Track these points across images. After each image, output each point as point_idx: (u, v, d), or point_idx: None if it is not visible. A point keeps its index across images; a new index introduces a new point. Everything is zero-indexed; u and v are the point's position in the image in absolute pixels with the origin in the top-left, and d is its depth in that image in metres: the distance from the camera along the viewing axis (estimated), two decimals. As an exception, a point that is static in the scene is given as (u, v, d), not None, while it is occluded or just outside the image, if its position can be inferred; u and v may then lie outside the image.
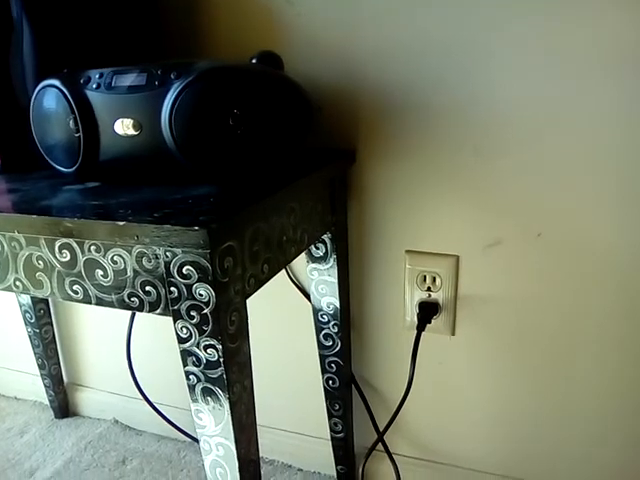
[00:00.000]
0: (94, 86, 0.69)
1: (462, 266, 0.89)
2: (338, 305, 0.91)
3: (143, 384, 1.22)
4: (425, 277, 0.92)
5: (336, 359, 0.96)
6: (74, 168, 0.73)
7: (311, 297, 0.93)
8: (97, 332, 1.31)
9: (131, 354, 1.19)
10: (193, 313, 0.56)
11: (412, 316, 0.95)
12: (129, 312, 1.18)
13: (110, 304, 0.61)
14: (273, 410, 1.15)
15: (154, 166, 0.68)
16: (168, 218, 0.54)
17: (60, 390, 1.39)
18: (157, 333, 1.23)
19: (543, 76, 0.76)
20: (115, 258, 0.58)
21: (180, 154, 0.65)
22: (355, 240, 0.95)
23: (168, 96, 0.64)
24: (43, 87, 0.72)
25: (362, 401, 1.03)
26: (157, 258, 0.56)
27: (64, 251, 0.61)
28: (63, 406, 1.40)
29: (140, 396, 1.22)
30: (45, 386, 1.38)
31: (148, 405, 1.22)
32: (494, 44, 0.77)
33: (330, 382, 0.99)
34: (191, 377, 0.60)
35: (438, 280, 0.91)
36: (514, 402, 0.94)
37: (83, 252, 0.60)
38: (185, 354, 0.59)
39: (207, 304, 0.55)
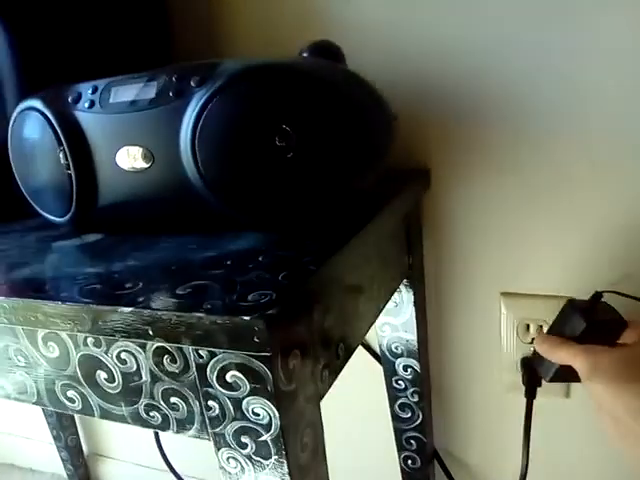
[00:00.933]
0: (86, 105, 0.50)
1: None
2: (418, 368, 0.70)
3: (172, 455, 1.02)
4: (528, 326, 0.71)
5: (416, 434, 0.75)
6: (67, 217, 0.54)
7: (382, 359, 0.72)
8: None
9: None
10: (245, 440, 0.36)
11: (511, 376, 0.74)
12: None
13: (120, 418, 0.42)
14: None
15: (173, 211, 0.49)
16: (198, 299, 0.34)
17: (80, 463, 1.20)
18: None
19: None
20: (123, 356, 0.39)
21: (209, 192, 0.46)
22: (433, 286, 0.74)
23: (189, 111, 0.45)
24: (21, 111, 0.54)
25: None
26: (186, 359, 0.36)
27: (50, 344, 0.42)
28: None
29: (167, 469, 1.02)
30: (62, 459, 1.19)
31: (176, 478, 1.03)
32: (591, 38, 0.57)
33: (409, 462, 0.78)
34: (245, 527, 0.40)
35: (546, 329, 0.70)
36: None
37: (77, 346, 0.41)
38: (235, 496, 0.39)
39: (267, 428, 0.35)
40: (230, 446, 0.37)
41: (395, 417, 0.76)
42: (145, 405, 0.40)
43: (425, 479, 0.79)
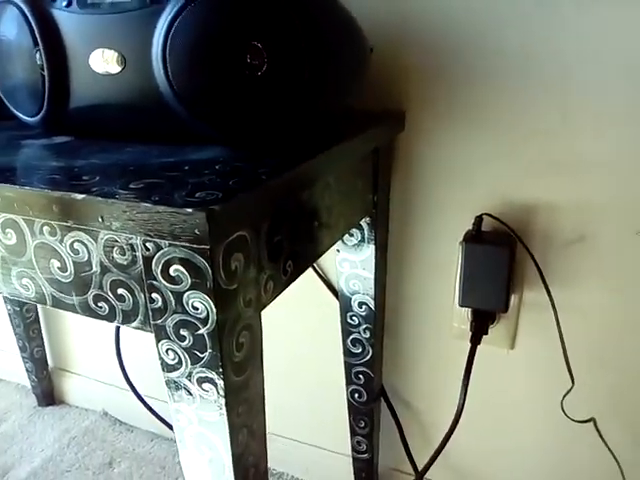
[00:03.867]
0: (64, 3, 0.50)
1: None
2: (373, 306, 0.73)
3: (134, 374, 1.05)
4: (483, 276, 0.73)
5: (365, 369, 0.78)
6: (38, 117, 0.55)
7: (339, 294, 0.75)
8: (86, 314, 1.14)
9: (120, 339, 1.02)
10: (184, 332, 0.38)
11: (461, 322, 0.77)
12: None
13: (71, 308, 0.44)
14: (287, 417, 0.98)
15: (141, 117, 0.50)
16: (149, 192, 0.36)
17: (44, 375, 1.23)
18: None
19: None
20: (76, 246, 0.40)
21: (176, 101, 0.47)
22: (396, 226, 0.76)
23: (162, 18, 0.46)
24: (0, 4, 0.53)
25: (393, 419, 0.86)
26: (133, 250, 0.38)
27: (8, 231, 0.43)
28: (47, 393, 1.25)
29: (128, 387, 1.06)
30: (27, 370, 1.22)
31: (137, 399, 1.06)
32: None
33: (356, 395, 0.81)
34: (180, 418, 0.42)
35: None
36: (579, 433, 0.76)
37: (33, 234, 0.42)
38: (172, 386, 0.41)
39: (204, 322, 0.37)
40: (170, 338, 0.39)
41: (346, 352, 0.79)
42: (94, 296, 0.42)
43: (370, 414, 0.83)
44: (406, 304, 0.80)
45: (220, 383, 0.39)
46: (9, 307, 1.13)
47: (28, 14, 0.51)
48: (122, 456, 1.10)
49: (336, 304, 0.77)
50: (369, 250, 0.70)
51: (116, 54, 0.48)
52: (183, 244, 0.35)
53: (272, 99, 0.47)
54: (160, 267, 0.37)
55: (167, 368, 0.41)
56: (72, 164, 0.44)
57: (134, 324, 0.41)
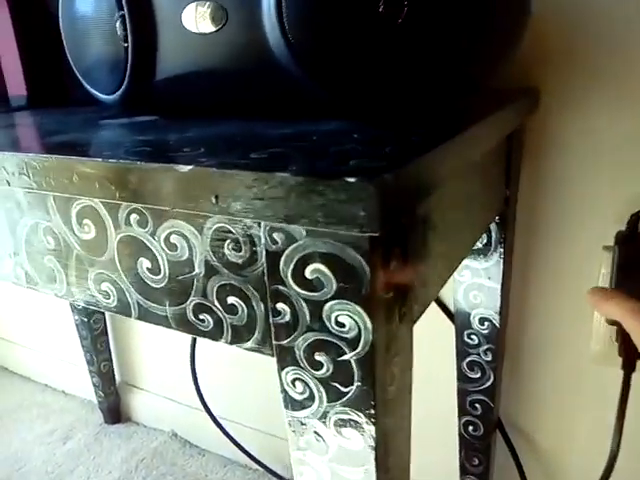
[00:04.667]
0: (152, -50, 0.41)
1: None
2: (497, 322, 0.61)
3: (209, 394, 0.96)
4: (634, 288, 0.60)
5: (483, 397, 0.66)
6: (118, 94, 0.46)
7: (455, 308, 0.63)
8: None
9: (196, 356, 0.93)
10: (320, 357, 0.28)
11: (603, 343, 0.63)
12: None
13: (163, 321, 0.34)
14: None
15: (245, 84, 0.40)
16: (278, 162, 0.25)
17: (111, 391, 1.16)
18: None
19: None
20: (173, 239, 0.31)
21: (292, 59, 0.36)
22: (524, 228, 0.64)
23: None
24: (76, -37, 0.45)
25: (512, 456, 0.73)
26: (253, 244, 0.28)
27: (86, 222, 0.34)
28: (114, 409, 1.18)
29: (202, 407, 0.96)
30: (94, 385, 1.15)
31: (212, 420, 0.97)
32: None
33: (470, 428, 0.69)
34: (304, 471, 0.32)
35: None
36: None
37: (117, 225, 0.33)
38: (297, 428, 0.31)
39: (353, 344, 0.27)
40: (299, 365, 0.29)
41: (462, 377, 0.67)
42: (195, 305, 0.32)
43: (485, 450, 0.70)
44: (534, 322, 0.67)
45: (370, 429, 0.28)
46: (76, 317, 1.07)
47: (110, -30, 0.42)
48: (193, 483, 1.00)
49: (445, 322, 0.65)
50: (496, 255, 0.58)
51: (215, 6, 0.39)
52: (331, 232, 0.24)
53: (414, 54, 0.36)
54: (292, 266, 0.27)
55: (292, 405, 0.30)
56: (164, 137, 0.35)
57: (248, 344, 0.31)
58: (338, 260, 0.25)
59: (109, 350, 1.12)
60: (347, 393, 0.28)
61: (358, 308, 0.26)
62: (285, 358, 0.29)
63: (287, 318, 0.28)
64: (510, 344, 0.69)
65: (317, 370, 0.28)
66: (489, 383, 0.65)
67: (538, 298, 0.66)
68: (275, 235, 0.26)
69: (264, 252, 0.27)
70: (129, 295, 0.35)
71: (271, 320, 0.29)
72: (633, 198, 0.58)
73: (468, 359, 0.65)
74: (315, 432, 0.30)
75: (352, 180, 0.22)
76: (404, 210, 0.26)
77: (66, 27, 0.48)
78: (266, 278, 0.28)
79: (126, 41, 0.44)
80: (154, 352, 1.09)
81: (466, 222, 0.42)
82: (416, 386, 0.75)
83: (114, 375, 1.15)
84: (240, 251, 0.28)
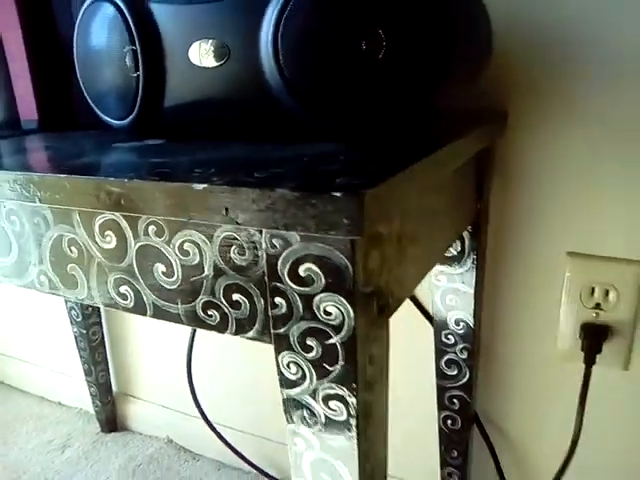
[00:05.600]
0: (161, -5, 0.47)
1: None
2: (472, 323, 0.67)
3: (203, 400, 1.01)
4: (593, 290, 0.66)
5: (460, 393, 0.72)
6: (128, 120, 0.52)
7: (433, 310, 0.69)
8: (153, 336, 1.11)
9: (192, 364, 0.98)
10: (311, 342, 0.34)
11: (569, 342, 0.70)
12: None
13: (174, 318, 0.39)
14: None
15: (245, 113, 0.46)
16: (278, 180, 0.31)
17: (108, 400, 1.20)
18: (226, 341, 1.02)
19: None
20: (186, 247, 0.36)
21: (288, 95, 0.43)
22: (495, 237, 0.70)
23: (272, 5, 0.42)
24: (92, 2, 0.51)
25: (488, 448, 0.78)
26: (255, 248, 0.33)
27: (108, 233, 0.39)
28: (110, 418, 1.22)
29: (198, 414, 1.01)
30: (91, 395, 1.19)
31: (207, 426, 1.01)
32: None
33: (449, 422, 0.75)
34: (297, 442, 0.37)
35: (613, 294, 0.66)
36: None
37: (137, 235, 0.38)
38: (291, 405, 0.36)
39: (338, 329, 0.32)
40: (293, 349, 0.34)
41: (440, 374, 0.72)
42: (204, 303, 0.37)
43: (463, 442, 0.76)
44: (505, 322, 0.73)
45: (352, 401, 0.34)
46: (75, 329, 1.11)
47: (125, 11, 0.48)
48: (189, 486, 1.05)
49: (425, 324, 0.71)
50: (469, 262, 0.64)
51: (218, 44, 0.45)
52: (320, 237, 0.30)
53: (393, 85, 0.42)
54: (288, 266, 0.32)
55: (287, 384, 0.36)
56: (176, 160, 0.41)
57: (250, 334, 0.36)
58: (326, 260, 0.31)
59: (106, 361, 1.16)
60: (333, 371, 0.33)
61: (342, 299, 0.31)
62: (281, 344, 0.35)
63: (283, 310, 0.34)
64: (484, 343, 0.75)
65: (308, 353, 0.34)
66: (465, 379, 0.71)
67: (509, 301, 0.72)
68: (274, 241, 0.32)
69: (265, 255, 0.33)
70: (145, 296, 0.40)
71: (270, 312, 0.34)
72: (594, 208, 0.65)
73: (446, 357, 0.71)
74: (306, 407, 0.35)
75: (338, 195, 0.28)
76: (381, 219, 0.32)
77: (80, 56, 0.54)
78: (266, 277, 0.34)
79: (136, 71, 0.49)
80: (150, 362, 1.14)
81: (438, 230, 0.48)
82: (400, 384, 0.81)
83: (111, 385, 1.19)
84: (244, 255, 0.34)
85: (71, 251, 0.43)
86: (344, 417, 0.34)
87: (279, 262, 0.33)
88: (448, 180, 0.49)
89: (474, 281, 0.65)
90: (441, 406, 0.75)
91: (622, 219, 0.63)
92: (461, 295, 0.66)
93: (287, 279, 0.33)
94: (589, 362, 0.65)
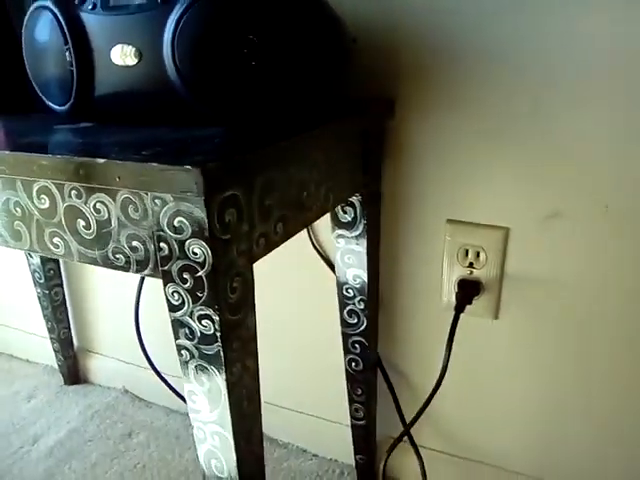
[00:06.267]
0: (89, 6, 0.58)
1: (512, 240, 0.77)
2: (365, 278, 0.80)
3: (153, 353, 1.13)
4: (467, 251, 0.80)
5: (361, 339, 0.86)
6: (67, 106, 0.63)
7: (336, 268, 0.82)
8: (109, 296, 1.23)
9: (139, 320, 1.10)
10: (186, 276, 0.46)
11: (450, 295, 0.83)
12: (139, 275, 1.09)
13: (93, 261, 0.52)
14: (289, 390, 1.06)
15: (155, 103, 0.58)
16: (157, 156, 0.43)
17: (70, 355, 1.32)
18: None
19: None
20: (98, 206, 0.49)
21: (183, 88, 0.55)
22: (388, 206, 0.83)
23: (172, 16, 0.54)
24: (35, 9, 0.62)
25: (387, 387, 0.93)
26: (145, 207, 0.46)
27: (42, 196, 0.51)
28: (72, 372, 1.34)
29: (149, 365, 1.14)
30: (54, 350, 1.31)
31: (157, 375, 1.14)
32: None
33: (353, 364, 0.88)
34: (183, 352, 0.50)
35: (482, 255, 0.79)
36: (557, 398, 0.83)
37: (63, 198, 0.50)
38: (176, 324, 0.49)
39: (202, 265, 0.45)
40: (175, 281, 0.47)
41: (343, 323, 0.86)
42: (113, 249, 0.50)
43: (366, 381, 0.90)
44: (399, 279, 0.87)
45: (217, 319, 0.46)
46: (38, 290, 1.23)
47: (60, 17, 0.60)
48: (140, 428, 1.18)
49: (334, 278, 0.84)
50: (361, 226, 0.77)
51: (133, 49, 0.56)
52: (185, 197, 0.43)
53: (263, 84, 0.54)
54: (167, 219, 0.45)
55: (173, 308, 0.48)
56: (96, 141, 0.53)
57: (146, 272, 0.49)
58: (191, 214, 0.44)
59: (68, 319, 1.28)
60: (202, 297, 0.46)
61: (203, 243, 0.44)
62: (167, 278, 0.47)
63: (166, 252, 0.46)
64: (386, 297, 0.89)
65: (185, 284, 0.46)
66: (363, 327, 0.84)
67: (404, 262, 0.86)
68: (156, 200, 0.45)
69: (151, 211, 0.45)
70: (71, 245, 0.52)
71: (157, 254, 0.47)
72: (467, 181, 0.78)
73: (347, 308, 0.84)
74: (187, 325, 0.48)
75: (189, 167, 0.40)
76: (231, 185, 0.44)
77: (27, 52, 0.65)
78: (153, 228, 0.46)
79: (72, 66, 0.61)
80: (107, 319, 1.26)
81: (311, 197, 0.61)
82: (314, 331, 0.94)
83: (72, 341, 1.31)
84: (138, 211, 0.46)
85: (16, 211, 0.54)
86: (212, 331, 0.47)
87: (160, 216, 0.45)
88: (322, 157, 0.62)
89: (366, 242, 0.78)
90: (346, 350, 0.88)
91: (489, 191, 0.77)
92: (356, 254, 0.79)
93: (167, 229, 0.45)
94: (458, 310, 0.79)
